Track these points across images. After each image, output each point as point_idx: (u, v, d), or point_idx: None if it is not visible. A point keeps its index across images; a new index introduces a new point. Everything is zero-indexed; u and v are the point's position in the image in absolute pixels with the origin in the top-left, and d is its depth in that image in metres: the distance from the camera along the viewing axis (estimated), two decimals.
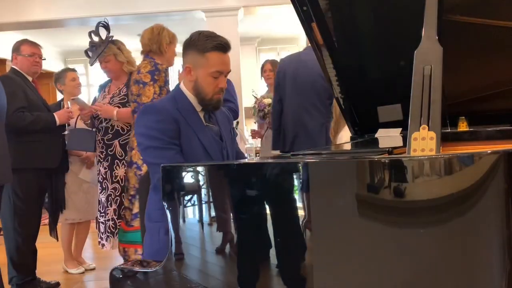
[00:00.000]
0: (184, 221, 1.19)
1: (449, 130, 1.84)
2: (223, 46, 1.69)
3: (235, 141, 1.96)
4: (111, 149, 2.94)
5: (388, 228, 0.96)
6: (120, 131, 2.95)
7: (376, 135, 1.95)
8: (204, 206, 1.16)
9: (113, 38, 3.04)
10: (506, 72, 1.85)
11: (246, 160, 1.76)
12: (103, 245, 2.99)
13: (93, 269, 3.75)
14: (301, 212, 1.03)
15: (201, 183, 1.18)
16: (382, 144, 1.64)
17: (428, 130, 1.05)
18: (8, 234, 3.05)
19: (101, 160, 3.00)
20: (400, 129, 1.89)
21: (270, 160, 1.20)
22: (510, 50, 1.76)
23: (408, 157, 0.99)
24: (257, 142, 4.18)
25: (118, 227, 2.90)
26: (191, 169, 1.18)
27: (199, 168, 1.18)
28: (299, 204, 1.03)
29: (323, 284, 1.01)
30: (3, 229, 3.11)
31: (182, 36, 7.83)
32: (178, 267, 1.18)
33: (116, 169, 2.93)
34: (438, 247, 0.93)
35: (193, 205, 1.18)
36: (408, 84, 1.12)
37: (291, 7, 1.76)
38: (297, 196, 1.04)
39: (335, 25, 1.83)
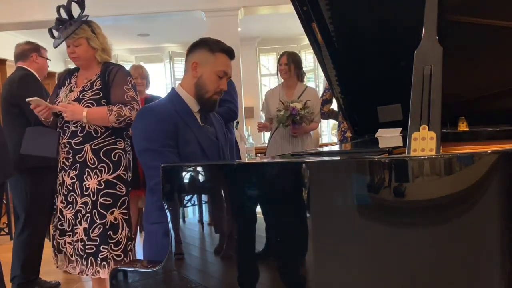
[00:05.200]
0: (184, 221, 1.19)
1: (449, 130, 1.84)
2: (231, 52, 1.80)
3: (228, 143, 1.99)
4: (81, 155, 2.37)
5: (388, 228, 0.96)
6: (93, 133, 2.39)
7: (376, 135, 1.95)
8: (204, 206, 1.16)
9: (89, 19, 2.53)
10: (506, 72, 1.85)
11: (246, 160, 1.76)
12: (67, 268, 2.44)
13: None
14: (301, 212, 1.03)
15: (201, 183, 1.18)
16: (382, 144, 1.64)
17: (428, 130, 1.05)
18: (21, 232, 3.05)
19: (67, 168, 2.42)
20: (400, 129, 1.90)
21: (270, 160, 1.20)
22: (510, 50, 1.76)
23: (408, 157, 0.99)
24: (256, 142, 4.11)
25: (89, 250, 2.34)
26: (191, 169, 1.19)
27: (199, 168, 1.18)
28: (299, 204, 1.03)
29: (323, 284, 1.01)
30: (16, 227, 3.10)
31: (182, 36, 7.86)
32: (178, 267, 1.18)
33: (87, 180, 2.36)
34: (438, 247, 0.93)
35: (193, 205, 1.18)
36: (408, 84, 1.12)
37: (291, 7, 1.76)
38: (297, 196, 1.04)
39: (335, 25, 1.83)
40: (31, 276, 3.08)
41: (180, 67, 8.49)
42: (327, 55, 1.91)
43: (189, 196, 1.18)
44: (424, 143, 1.05)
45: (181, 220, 1.18)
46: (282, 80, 3.77)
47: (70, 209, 2.40)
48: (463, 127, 1.88)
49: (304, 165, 1.07)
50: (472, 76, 1.90)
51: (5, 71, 6.12)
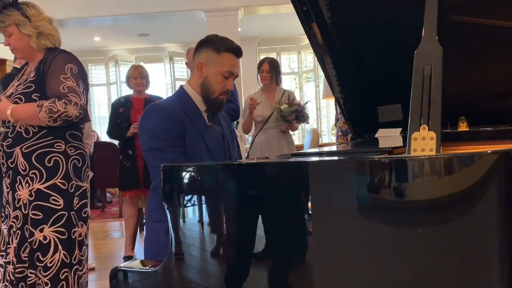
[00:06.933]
0: (184, 221, 1.19)
1: (449, 130, 1.84)
2: (237, 50, 1.77)
3: (235, 142, 1.99)
4: (12, 160, 1.98)
5: (388, 228, 0.96)
6: (24, 134, 1.97)
7: (376, 135, 1.95)
8: (204, 206, 1.16)
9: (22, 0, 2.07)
10: (506, 72, 1.85)
11: (246, 160, 1.76)
12: None
13: (93, 269, 3.75)
14: (301, 212, 1.03)
15: (201, 183, 1.18)
16: (382, 144, 1.64)
17: (428, 130, 1.05)
18: None
19: (4, 176, 2.07)
20: (400, 129, 1.90)
21: (270, 160, 1.20)
22: (510, 50, 1.76)
23: (408, 157, 0.99)
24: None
25: (18, 275, 1.93)
26: (191, 169, 1.19)
27: (199, 168, 1.18)
28: (299, 204, 1.03)
29: (323, 284, 1.01)
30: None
31: (182, 36, 7.85)
32: (178, 267, 1.18)
33: (19, 189, 1.96)
34: (437, 247, 0.93)
35: (193, 205, 1.18)
36: (408, 84, 1.12)
37: (291, 7, 1.76)
38: (297, 196, 1.04)
39: (335, 25, 1.83)
40: None
41: (180, 67, 8.50)
42: (327, 55, 1.91)
43: (189, 196, 1.18)
44: (424, 143, 1.05)
45: (181, 220, 1.18)
46: (262, 84, 3.91)
47: (6, 224, 2.03)
48: (463, 127, 1.88)
49: (304, 165, 1.07)
50: (472, 76, 1.90)
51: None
